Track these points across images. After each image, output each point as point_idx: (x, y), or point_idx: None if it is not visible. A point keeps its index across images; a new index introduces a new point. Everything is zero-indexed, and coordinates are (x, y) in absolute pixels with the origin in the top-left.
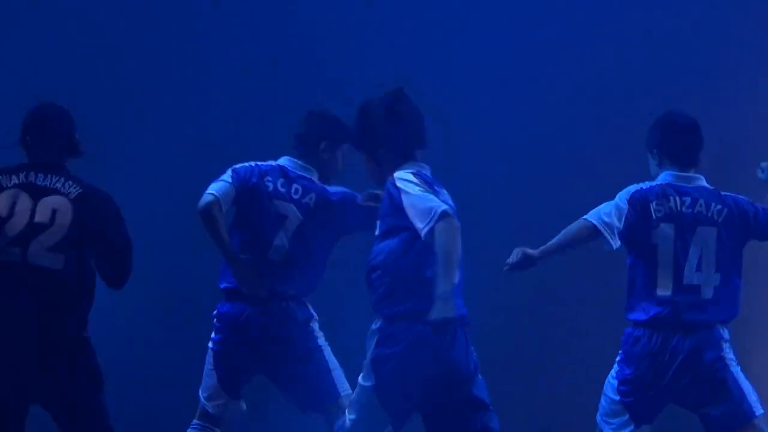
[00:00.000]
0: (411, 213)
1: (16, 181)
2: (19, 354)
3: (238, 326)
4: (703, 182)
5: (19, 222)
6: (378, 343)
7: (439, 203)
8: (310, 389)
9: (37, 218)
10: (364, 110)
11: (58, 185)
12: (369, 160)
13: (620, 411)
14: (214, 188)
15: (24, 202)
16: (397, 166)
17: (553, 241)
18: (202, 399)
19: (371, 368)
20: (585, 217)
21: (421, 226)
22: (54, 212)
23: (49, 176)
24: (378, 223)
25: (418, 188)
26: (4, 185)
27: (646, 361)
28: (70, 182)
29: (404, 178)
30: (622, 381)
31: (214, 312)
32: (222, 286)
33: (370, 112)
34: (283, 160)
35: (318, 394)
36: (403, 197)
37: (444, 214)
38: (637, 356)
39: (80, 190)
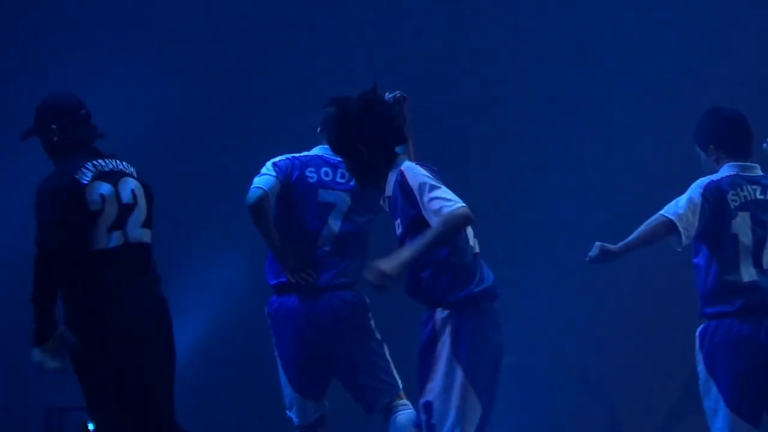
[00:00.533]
0: (427, 211)
1: (90, 176)
2: (151, 333)
3: (299, 316)
4: (760, 170)
5: (111, 210)
6: (453, 333)
7: (452, 204)
8: (374, 381)
9: (124, 200)
10: (343, 113)
11: (121, 167)
12: (354, 163)
13: (721, 408)
14: (260, 182)
15: (107, 190)
16: (386, 165)
17: (632, 236)
18: (289, 414)
19: (454, 358)
20: (661, 212)
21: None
22: (133, 192)
23: (107, 161)
24: (397, 222)
25: (430, 181)
26: (83, 181)
27: (740, 350)
28: (124, 162)
29: (415, 171)
30: (714, 376)
31: (266, 311)
32: (272, 282)
33: (349, 114)
34: (318, 150)
35: (381, 388)
36: (417, 194)
37: (458, 210)
38: (731, 347)
39: (134, 167)
